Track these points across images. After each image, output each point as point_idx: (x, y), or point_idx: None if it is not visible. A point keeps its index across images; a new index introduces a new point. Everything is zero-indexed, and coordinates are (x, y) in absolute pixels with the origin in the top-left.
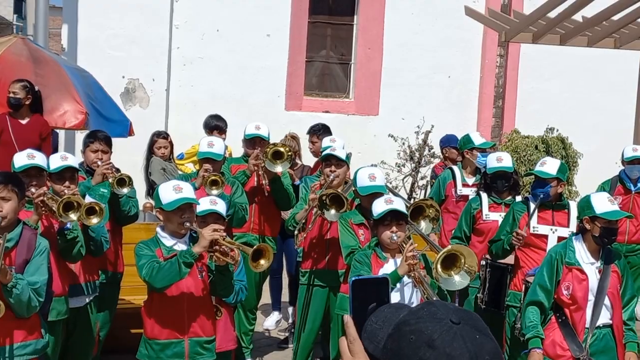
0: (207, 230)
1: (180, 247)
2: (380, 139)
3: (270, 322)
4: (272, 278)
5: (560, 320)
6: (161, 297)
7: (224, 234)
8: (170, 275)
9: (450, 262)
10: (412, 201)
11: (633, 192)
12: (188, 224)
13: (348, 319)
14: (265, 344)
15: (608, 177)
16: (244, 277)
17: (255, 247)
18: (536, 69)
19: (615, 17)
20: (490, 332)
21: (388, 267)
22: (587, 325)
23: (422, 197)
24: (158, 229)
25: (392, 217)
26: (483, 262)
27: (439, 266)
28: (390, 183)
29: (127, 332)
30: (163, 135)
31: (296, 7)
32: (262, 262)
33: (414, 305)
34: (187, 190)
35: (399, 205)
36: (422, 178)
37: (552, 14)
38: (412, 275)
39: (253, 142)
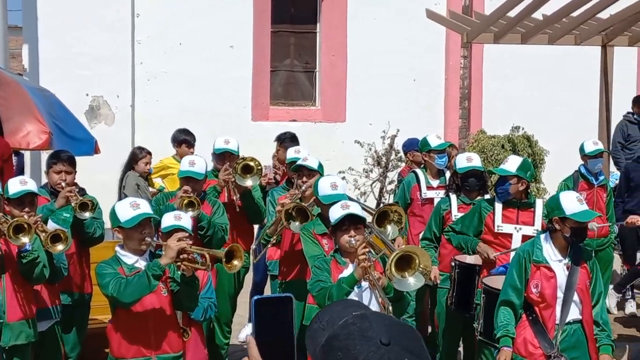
0: (172, 240)
1: (142, 264)
2: (348, 145)
3: (244, 334)
4: (256, 291)
5: (530, 318)
6: (127, 315)
7: (190, 242)
8: (140, 288)
9: (405, 263)
10: (380, 206)
11: (596, 186)
12: (149, 239)
13: (250, 339)
14: (241, 356)
15: None
16: (212, 295)
17: (227, 249)
18: (500, 68)
19: (575, 14)
20: (426, 348)
21: (347, 272)
22: (557, 322)
23: (390, 201)
24: (117, 248)
25: (350, 221)
26: (452, 263)
27: (392, 267)
28: (359, 189)
29: (100, 352)
30: (147, 150)
31: (258, 18)
32: (235, 262)
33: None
34: (144, 206)
35: (356, 209)
36: (390, 182)
37: (513, 13)
38: (367, 278)
39: (222, 156)
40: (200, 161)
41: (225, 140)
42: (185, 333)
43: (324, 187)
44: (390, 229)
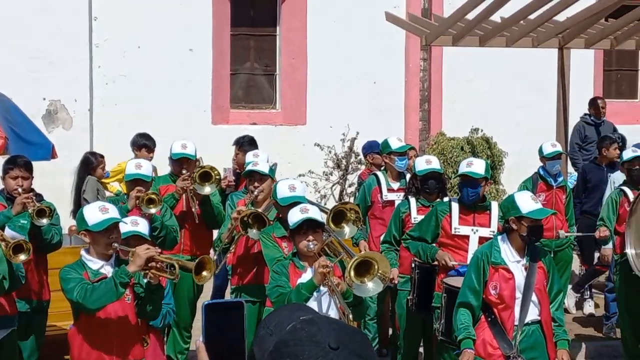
0: (140, 248)
1: (107, 269)
2: (309, 148)
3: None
4: (217, 295)
5: (489, 319)
6: (89, 322)
7: (159, 250)
8: (107, 295)
9: (364, 268)
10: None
11: (554, 188)
12: (116, 245)
13: (200, 344)
14: None
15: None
16: (170, 300)
17: (197, 260)
18: (459, 71)
19: (532, 16)
20: (373, 350)
21: (306, 276)
22: (516, 323)
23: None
24: (83, 252)
25: (308, 226)
26: (412, 265)
27: (352, 273)
28: (319, 192)
29: (59, 358)
30: (100, 154)
31: (217, 20)
32: (204, 273)
33: (331, 315)
34: (113, 211)
35: (315, 213)
36: (350, 185)
37: (471, 16)
38: (326, 284)
39: (180, 162)
40: (146, 164)
41: (182, 144)
42: (144, 341)
43: (283, 189)
44: (347, 228)
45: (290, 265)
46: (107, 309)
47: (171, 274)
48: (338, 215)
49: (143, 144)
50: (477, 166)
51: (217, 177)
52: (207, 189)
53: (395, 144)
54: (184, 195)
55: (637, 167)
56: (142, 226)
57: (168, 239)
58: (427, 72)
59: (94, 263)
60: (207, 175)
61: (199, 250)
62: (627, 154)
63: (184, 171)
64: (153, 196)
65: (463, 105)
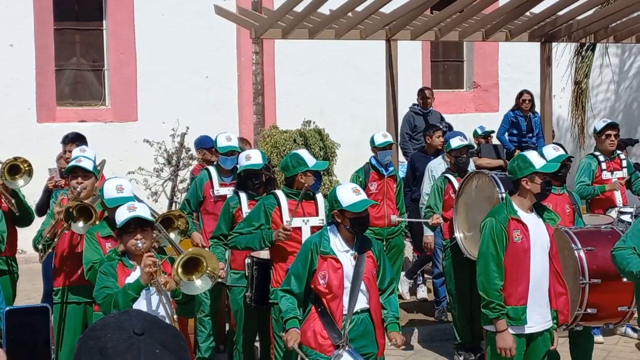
0: None
1: None
2: (141, 145)
3: None
4: (47, 300)
5: (319, 310)
6: None
7: None
8: None
9: (193, 266)
10: (172, 206)
11: (386, 177)
12: None
13: (1, 353)
14: None
15: None
16: (2, 304)
17: None
18: (292, 64)
19: (359, 9)
20: (180, 345)
21: (135, 275)
22: (345, 312)
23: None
24: None
25: (136, 224)
26: (248, 260)
27: (179, 270)
28: (150, 189)
29: None
30: None
31: (39, 15)
32: None
33: (160, 314)
34: None
35: (143, 211)
36: (181, 181)
37: (299, 8)
38: (153, 283)
39: None
40: None
41: None
42: None
43: (110, 189)
44: (172, 236)
45: (118, 265)
46: None
47: None
48: (166, 222)
49: None
50: (317, 159)
51: (27, 167)
52: (20, 182)
53: (221, 143)
54: None
55: (465, 155)
56: None
57: None
58: (259, 65)
59: None
60: (15, 169)
61: (11, 250)
62: (455, 143)
63: None
64: None
65: (296, 98)
